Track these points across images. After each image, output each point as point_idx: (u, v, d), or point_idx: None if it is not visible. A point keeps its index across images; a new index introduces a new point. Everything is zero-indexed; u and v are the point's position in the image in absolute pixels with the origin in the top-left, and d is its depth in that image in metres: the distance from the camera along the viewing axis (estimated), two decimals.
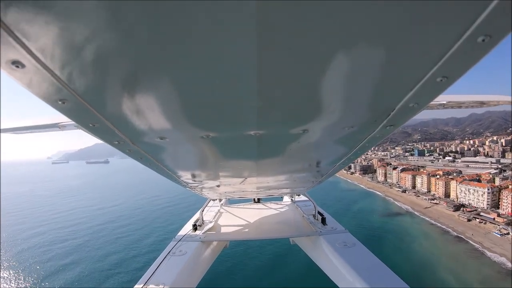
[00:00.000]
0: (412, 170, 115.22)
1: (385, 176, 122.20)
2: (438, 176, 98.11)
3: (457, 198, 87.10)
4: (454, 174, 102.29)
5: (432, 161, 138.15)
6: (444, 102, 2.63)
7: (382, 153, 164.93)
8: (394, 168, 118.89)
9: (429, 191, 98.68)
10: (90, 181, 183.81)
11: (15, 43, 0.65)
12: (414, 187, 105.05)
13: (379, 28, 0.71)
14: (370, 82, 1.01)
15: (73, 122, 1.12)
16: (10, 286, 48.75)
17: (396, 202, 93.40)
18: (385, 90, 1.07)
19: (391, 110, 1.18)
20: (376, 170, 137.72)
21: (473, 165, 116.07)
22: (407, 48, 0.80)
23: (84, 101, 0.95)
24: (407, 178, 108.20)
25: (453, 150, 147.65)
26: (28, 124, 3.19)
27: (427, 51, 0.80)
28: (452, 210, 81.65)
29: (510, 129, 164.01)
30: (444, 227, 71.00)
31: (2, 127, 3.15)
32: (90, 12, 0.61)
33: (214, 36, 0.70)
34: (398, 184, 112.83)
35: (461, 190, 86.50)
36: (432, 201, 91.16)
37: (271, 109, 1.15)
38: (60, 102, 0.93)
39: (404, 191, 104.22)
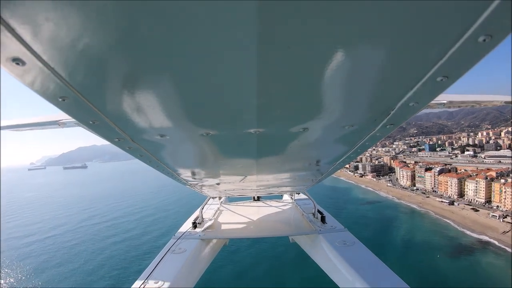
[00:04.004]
0: (449, 171, 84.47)
1: (412, 179, 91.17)
2: (503, 181, 67.27)
3: None
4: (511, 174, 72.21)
5: (451, 157, 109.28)
6: (445, 101, 2.49)
7: (383, 149, 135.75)
8: (428, 169, 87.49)
9: (489, 202, 68.24)
10: (50, 192, 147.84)
11: (15, 40, 0.63)
12: (461, 195, 74.35)
13: (380, 27, 0.69)
14: (371, 81, 0.98)
15: (73, 120, 1.10)
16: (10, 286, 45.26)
17: (451, 223, 61.54)
18: (385, 89, 1.04)
19: (391, 109, 1.15)
20: (392, 170, 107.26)
21: (507, 161, 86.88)
22: (407, 47, 0.78)
23: (84, 98, 0.93)
24: (450, 183, 77.22)
25: (470, 143, 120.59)
26: (27, 122, 3.08)
27: (427, 51, 0.78)
28: None
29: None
30: None
31: (2, 124, 3.04)
32: (91, 9, 0.59)
33: (215, 35, 0.69)
34: (435, 191, 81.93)
35: None
36: (504, 219, 60.22)
37: (271, 107, 1.12)
38: (60, 99, 0.91)
39: (451, 203, 72.76)
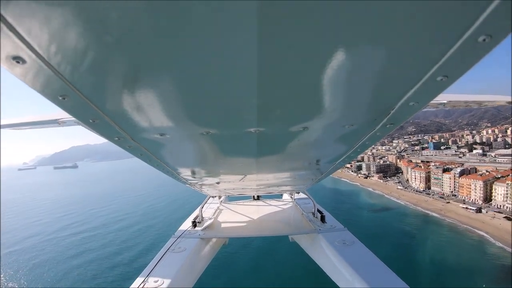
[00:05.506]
0: (470, 172, 74.70)
1: (427, 182, 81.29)
2: None
3: None
4: None
5: (458, 156, 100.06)
6: (445, 101, 2.46)
7: (382, 148, 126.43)
8: (446, 170, 77.42)
9: None
10: (32, 195, 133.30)
11: (16, 39, 0.62)
12: (487, 200, 64.64)
13: (380, 27, 0.68)
14: (371, 81, 0.97)
15: (73, 118, 1.08)
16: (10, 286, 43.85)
17: (484, 235, 51.56)
18: (385, 88, 1.03)
19: (391, 108, 1.14)
20: (399, 170, 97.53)
21: None
22: (408, 47, 0.77)
23: (85, 97, 0.92)
24: (474, 187, 67.41)
25: (478, 141, 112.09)
26: (28, 120, 3.02)
27: (428, 50, 0.78)
28: None
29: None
30: None
31: (1, 123, 2.97)
32: (91, 8, 0.58)
33: (215, 34, 0.68)
34: (455, 195, 72.11)
35: None
36: None
37: (271, 106, 1.11)
38: (60, 98, 0.90)
39: (479, 210, 62.74)
